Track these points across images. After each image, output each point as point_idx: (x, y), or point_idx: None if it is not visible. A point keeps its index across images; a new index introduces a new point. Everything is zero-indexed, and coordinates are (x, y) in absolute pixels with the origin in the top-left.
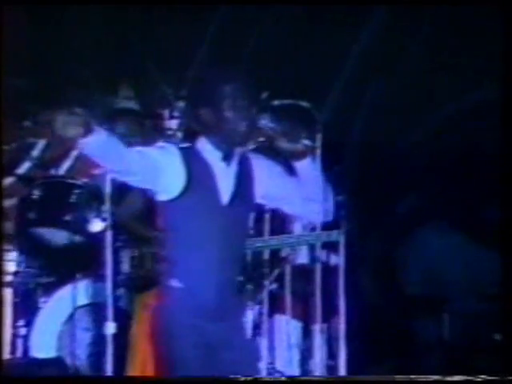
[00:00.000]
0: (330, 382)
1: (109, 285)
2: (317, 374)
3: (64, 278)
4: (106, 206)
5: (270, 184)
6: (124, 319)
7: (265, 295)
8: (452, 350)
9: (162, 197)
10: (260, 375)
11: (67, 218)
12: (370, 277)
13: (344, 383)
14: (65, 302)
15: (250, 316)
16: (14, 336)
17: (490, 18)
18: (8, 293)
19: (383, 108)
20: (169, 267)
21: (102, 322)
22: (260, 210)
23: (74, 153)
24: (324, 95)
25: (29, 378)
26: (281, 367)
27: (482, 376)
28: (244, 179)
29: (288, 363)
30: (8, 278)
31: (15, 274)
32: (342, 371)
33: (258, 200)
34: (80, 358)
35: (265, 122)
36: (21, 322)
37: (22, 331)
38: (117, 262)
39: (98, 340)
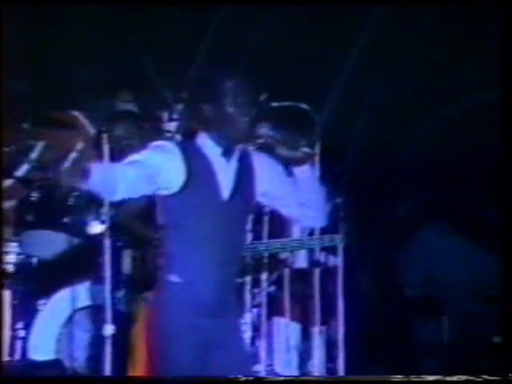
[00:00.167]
0: (329, 382)
1: (108, 287)
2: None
3: (63, 280)
4: (105, 209)
5: (270, 182)
6: (124, 321)
7: (264, 298)
8: (452, 352)
9: (163, 192)
10: (255, 373)
11: (66, 220)
12: (369, 279)
13: (343, 383)
14: (64, 304)
15: (248, 318)
16: (13, 338)
17: (490, 19)
18: (7, 295)
19: (383, 110)
20: (169, 262)
21: (101, 324)
22: (259, 212)
23: (73, 155)
24: (323, 97)
25: (28, 379)
26: (280, 369)
27: (482, 376)
28: (244, 175)
29: (287, 365)
30: (7, 280)
31: (14, 275)
32: (341, 373)
33: (259, 197)
34: (79, 360)
35: (264, 129)
36: (20, 324)
37: (21, 333)
38: (117, 264)
39: (97, 342)
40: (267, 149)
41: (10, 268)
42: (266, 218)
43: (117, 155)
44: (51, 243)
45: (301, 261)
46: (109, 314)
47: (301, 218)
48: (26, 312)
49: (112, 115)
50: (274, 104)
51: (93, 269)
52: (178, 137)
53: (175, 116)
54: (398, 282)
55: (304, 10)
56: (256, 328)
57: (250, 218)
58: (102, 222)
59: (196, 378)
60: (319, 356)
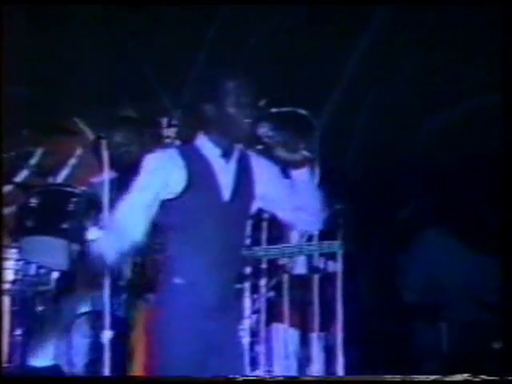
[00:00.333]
0: (329, 382)
1: (107, 292)
2: None
3: (63, 286)
4: (104, 214)
5: (268, 184)
6: (123, 327)
7: (263, 303)
8: (451, 358)
9: (164, 197)
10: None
11: (65, 226)
12: (369, 285)
13: (343, 383)
14: (63, 310)
15: (247, 324)
16: (12, 344)
17: (490, 23)
18: (6, 301)
19: (382, 114)
20: (170, 264)
21: (100, 330)
22: (258, 218)
23: (72, 161)
24: (322, 101)
25: (28, 379)
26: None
27: (482, 376)
28: (244, 176)
29: (286, 371)
30: (7, 286)
31: (14, 282)
32: None
33: (258, 198)
34: (78, 365)
35: (264, 130)
36: (19, 331)
37: (20, 339)
38: (118, 270)
39: (97, 348)
40: (266, 150)
41: (9, 274)
42: (264, 224)
43: (116, 161)
44: (50, 249)
45: (300, 267)
46: (108, 320)
47: (296, 222)
48: (25, 318)
49: (111, 121)
50: (274, 110)
51: (92, 275)
52: (178, 142)
53: (174, 122)
54: (398, 288)
55: (303, 16)
56: (255, 334)
57: (249, 223)
58: (101, 228)
59: (196, 378)
60: (318, 362)
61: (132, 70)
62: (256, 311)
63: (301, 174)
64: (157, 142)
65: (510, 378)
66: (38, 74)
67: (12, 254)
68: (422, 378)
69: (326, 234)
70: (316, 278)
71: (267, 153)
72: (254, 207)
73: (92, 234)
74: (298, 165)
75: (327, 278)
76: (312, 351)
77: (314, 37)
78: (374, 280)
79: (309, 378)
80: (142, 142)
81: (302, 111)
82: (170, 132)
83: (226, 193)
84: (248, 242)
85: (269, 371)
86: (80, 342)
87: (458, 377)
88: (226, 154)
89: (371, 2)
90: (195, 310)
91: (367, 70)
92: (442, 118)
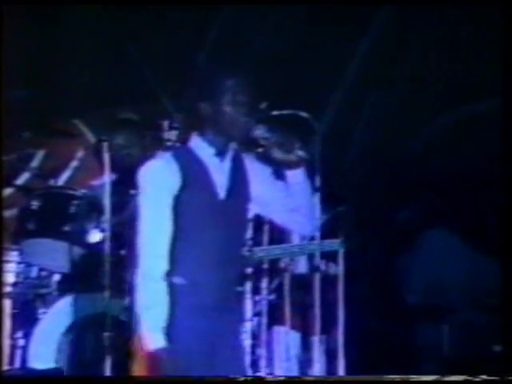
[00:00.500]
0: (329, 382)
1: (108, 294)
2: None
3: (63, 288)
4: (105, 217)
5: (263, 185)
6: (124, 329)
7: (264, 306)
8: (452, 360)
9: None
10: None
11: (66, 228)
12: (370, 286)
13: (343, 383)
14: (64, 312)
15: (249, 326)
16: (13, 347)
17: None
18: (7, 304)
19: (383, 117)
20: (171, 265)
21: (102, 332)
22: (259, 219)
23: (73, 163)
24: (323, 103)
25: (29, 382)
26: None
27: (482, 376)
28: (238, 174)
29: (287, 374)
30: (8, 289)
31: (14, 284)
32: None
33: (253, 199)
34: (79, 368)
35: (260, 131)
36: (19, 333)
37: (21, 342)
38: (119, 272)
39: (98, 350)
40: (262, 152)
41: (11, 276)
42: (265, 225)
43: (117, 164)
44: (51, 252)
45: (301, 268)
46: (109, 322)
47: (290, 224)
48: (26, 321)
49: (112, 123)
50: (275, 112)
51: (93, 277)
52: (179, 145)
53: (176, 124)
54: (399, 289)
55: (304, 18)
56: (256, 336)
57: (250, 225)
58: (102, 231)
59: (196, 378)
60: (319, 365)
61: (133, 72)
62: (257, 314)
63: (296, 175)
64: (158, 144)
65: (510, 378)
66: (38, 76)
67: (13, 256)
68: (423, 378)
69: (327, 235)
70: (317, 280)
71: (263, 154)
72: (250, 209)
73: (93, 236)
74: (292, 165)
75: (329, 281)
76: (313, 354)
77: (315, 38)
78: (375, 281)
79: (309, 378)
80: (143, 145)
81: (304, 114)
82: (171, 135)
83: (222, 192)
84: (249, 243)
85: (270, 374)
86: (81, 344)
87: (458, 377)
88: (221, 153)
89: (371, 2)
90: (195, 310)
91: (368, 71)
92: (443, 119)
